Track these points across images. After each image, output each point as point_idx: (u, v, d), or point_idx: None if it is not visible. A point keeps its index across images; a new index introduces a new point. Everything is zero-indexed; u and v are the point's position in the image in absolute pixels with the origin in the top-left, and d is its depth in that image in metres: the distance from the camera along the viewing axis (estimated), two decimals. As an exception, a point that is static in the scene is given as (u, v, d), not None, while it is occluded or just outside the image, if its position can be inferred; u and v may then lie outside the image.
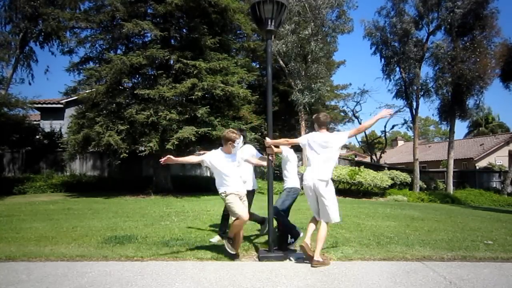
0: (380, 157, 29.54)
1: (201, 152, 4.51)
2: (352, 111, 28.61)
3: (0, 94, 14.53)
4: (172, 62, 12.13)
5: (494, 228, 6.68)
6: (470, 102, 18.83)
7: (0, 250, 4.30)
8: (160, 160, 4.05)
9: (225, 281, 3.35)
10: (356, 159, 29.41)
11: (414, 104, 19.72)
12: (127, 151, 11.12)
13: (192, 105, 11.62)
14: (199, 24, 11.92)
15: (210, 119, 11.79)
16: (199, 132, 11.16)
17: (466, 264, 4.02)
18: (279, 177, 16.83)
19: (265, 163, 4.73)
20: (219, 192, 4.14)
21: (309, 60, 17.80)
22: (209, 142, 11.59)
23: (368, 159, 31.21)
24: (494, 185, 21.55)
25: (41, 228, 5.81)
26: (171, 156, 4.08)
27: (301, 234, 4.59)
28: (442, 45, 18.52)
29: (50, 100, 18.35)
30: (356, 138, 33.49)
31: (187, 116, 11.35)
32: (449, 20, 17.71)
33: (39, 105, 17.68)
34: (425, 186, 19.00)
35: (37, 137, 16.61)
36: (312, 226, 4.15)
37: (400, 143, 41.21)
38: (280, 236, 4.58)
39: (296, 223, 6.22)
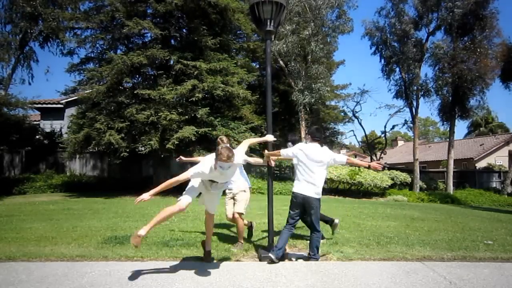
0: (380, 157, 29.49)
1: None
2: (352, 111, 28.57)
3: (0, 94, 14.52)
4: (172, 62, 12.14)
5: (494, 228, 6.68)
6: (471, 102, 18.86)
7: (0, 250, 4.30)
8: (179, 158, 4.67)
9: (225, 281, 3.35)
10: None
11: (414, 104, 19.73)
12: (127, 150, 11.13)
13: (193, 105, 11.63)
14: (199, 24, 11.93)
15: (210, 119, 11.80)
16: (199, 132, 11.17)
17: (466, 264, 4.02)
18: (279, 177, 16.85)
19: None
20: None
21: (309, 60, 17.81)
22: (209, 142, 11.60)
23: (368, 159, 31.18)
24: (494, 185, 21.55)
25: (41, 228, 5.81)
26: (182, 157, 4.70)
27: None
28: (442, 46, 18.52)
29: (50, 100, 18.35)
30: (356, 138, 33.48)
31: (187, 116, 11.36)
32: (449, 21, 17.71)
33: (39, 105, 17.67)
34: (425, 186, 18.99)
35: (37, 137, 16.59)
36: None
37: (400, 143, 41.21)
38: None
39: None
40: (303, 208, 4.07)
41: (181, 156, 4.54)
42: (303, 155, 4.08)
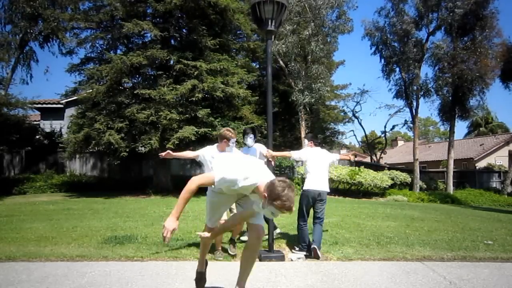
0: (380, 157, 29.53)
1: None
2: (352, 111, 28.61)
3: (0, 94, 14.51)
4: (172, 62, 12.13)
5: (494, 228, 6.68)
6: (471, 102, 18.86)
7: (0, 250, 4.30)
8: (160, 154, 4.32)
9: (225, 281, 3.35)
10: (356, 159, 29.41)
11: (414, 104, 19.72)
12: (127, 150, 11.13)
13: (193, 105, 11.63)
14: (198, 24, 11.92)
15: (210, 120, 11.80)
16: (199, 132, 11.17)
17: (466, 264, 4.02)
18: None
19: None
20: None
21: (309, 60, 17.81)
22: (209, 142, 11.59)
23: (368, 159, 31.19)
24: (494, 185, 21.53)
25: (41, 228, 5.81)
26: (170, 152, 4.33)
27: None
28: (442, 45, 18.51)
29: (50, 100, 18.35)
30: (356, 138, 33.52)
31: (187, 116, 11.36)
32: (449, 21, 17.69)
33: (39, 105, 17.66)
34: (425, 186, 18.98)
35: (37, 137, 16.59)
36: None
37: (400, 143, 41.19)
38: None
39: (296, 223, 6.24)
40: (313, 203, 4.52)
41: (169, 151, 4.29)
42: (315, 157, 4.61)
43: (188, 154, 4.58)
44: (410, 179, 17.74)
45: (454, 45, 18.34)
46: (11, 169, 15.42)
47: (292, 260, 4.17)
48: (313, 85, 17.60)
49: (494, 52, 18.15)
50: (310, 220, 4.59)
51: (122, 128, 11.12)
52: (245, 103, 13.73)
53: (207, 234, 2.75)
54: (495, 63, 18.20)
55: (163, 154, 4.28)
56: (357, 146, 40.67)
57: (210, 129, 11.43)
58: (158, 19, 12.41)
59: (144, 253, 4.23)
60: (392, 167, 21.73)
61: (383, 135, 30.90)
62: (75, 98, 13.90)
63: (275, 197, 2.18)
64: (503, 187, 19.41)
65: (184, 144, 11.36)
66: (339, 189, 15.47)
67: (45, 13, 14.55)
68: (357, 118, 28.64)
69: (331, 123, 28.98)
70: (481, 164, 26.53)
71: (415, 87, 19.30)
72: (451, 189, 18.84)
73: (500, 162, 25.90)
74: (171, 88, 11.26)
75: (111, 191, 12.73)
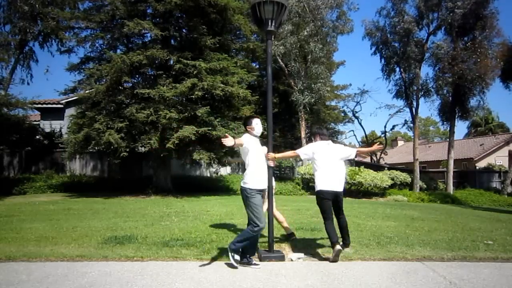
0: (380, 157, 29.53)
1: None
2: (352, 111, 28.63)
3: (0, 94, 14.51)
4: (172, 62, 12.14)
5: (494, 228, 6.67)
6: (471, 102, 18.87)
7: (0, 250, 4.30)
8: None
9: (225, 281, 3.35)
10: (356, 159, 29.41)
11: (414, 104, 19.74)
12: (127, 150, 11.13)
13: (192, 104, 11.63)
14: (198, 23, 11.92)
15: (210, 119, 11.79)
16: (199, 132, 11.16)
17: (466, 264, 4.02)
18: (279, 177, 16.78)
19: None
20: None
21: (309, 60, 17.81)
22: (209, 142, 11.59)
23: (368, 159, 31.19)
24: (494, 185, 21.54)
25: (41, 228, 5.81)
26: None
27: None
28: (442, 45, 18.52)
29: (50, 100, 18.35)
30: (356, 138, 33.54)
31: (186, 114, 11.35)
32: (450, 20, 17.71)
33: (39, 105, 17.67)
34: (425, 186, 19.00)
35: (37, 137, 16.59)
36: None
37: (400, 143, 41.20)
38: None
39: (296, 223, 6.25)
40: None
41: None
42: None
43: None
44: (410, 179, 17.75)
45: (454, 45, 18.35)
46: (11, 169, 15.42)
47: (292, 260, 4.17)
48: (313, 85, 17.60)
49: (494, 52, 18.18)
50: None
51: (122, 128, 11.11)
52: (245, 103, 13.71)
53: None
54: (495, 63, 18.22)
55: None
56: (357, 146, 40.61)
57: (210, 129, 11.41)
58: (158, 19, 12.41)
59: (144, 253, 4.23)
60: (392, 167, 21.74)
61: (383, 135, 30.93)
62: (75, 98, 13.88)
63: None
64: (503, 187, 19.41)
65: (184, 144, 11.36)
66: (339, 189, 15.44)
67: (43, 11, 14.50)
68: (357, 118, 28.69)
69: (331, 123, 28.99)
70: (481, 164, 26.53)
71: (415, 87, 19.33)
72: (451, 189, 18.84)
73: (500, 162, 25.90)
74: (171, 87, 11.27)
75: (111, 191, 12.73)
